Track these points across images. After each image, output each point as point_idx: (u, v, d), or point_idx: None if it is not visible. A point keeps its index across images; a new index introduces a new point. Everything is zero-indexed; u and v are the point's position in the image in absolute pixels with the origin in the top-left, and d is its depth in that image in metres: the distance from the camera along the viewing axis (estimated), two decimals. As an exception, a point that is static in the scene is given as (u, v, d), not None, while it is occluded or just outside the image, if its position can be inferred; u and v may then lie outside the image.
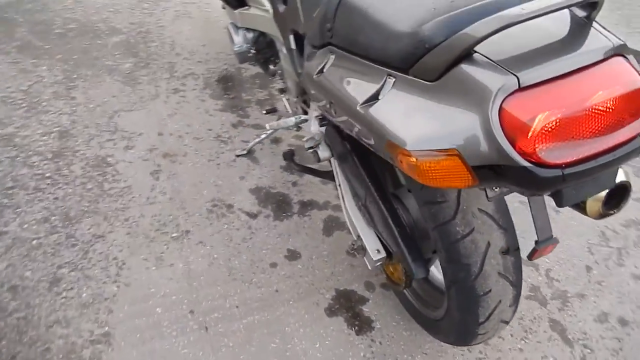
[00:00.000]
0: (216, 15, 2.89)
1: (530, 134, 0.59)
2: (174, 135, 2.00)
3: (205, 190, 1.79)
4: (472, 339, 1.12)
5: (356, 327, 1.45)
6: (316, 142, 1.25)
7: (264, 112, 1.87)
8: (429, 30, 0.70)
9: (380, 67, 0.80)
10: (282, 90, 1.75)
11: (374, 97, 0.78)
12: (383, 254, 1.25)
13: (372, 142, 0.77)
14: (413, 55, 0.72)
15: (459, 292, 1.03)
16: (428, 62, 0.69)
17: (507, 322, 1.10)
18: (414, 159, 0.66)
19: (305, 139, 1.27)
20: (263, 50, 1.78)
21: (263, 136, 1.92)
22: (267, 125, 1.60)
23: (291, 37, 1.32)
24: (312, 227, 1.73)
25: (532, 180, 0.60)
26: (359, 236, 1.33)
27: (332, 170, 1.56)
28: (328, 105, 0.93)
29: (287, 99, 1.73)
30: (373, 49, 0.81)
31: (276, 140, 2.05)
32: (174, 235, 1.62)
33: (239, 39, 1.80)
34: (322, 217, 1.77)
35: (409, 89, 0.73)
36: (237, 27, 1.81)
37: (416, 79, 0.72)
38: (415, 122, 0.69)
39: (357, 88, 0.83)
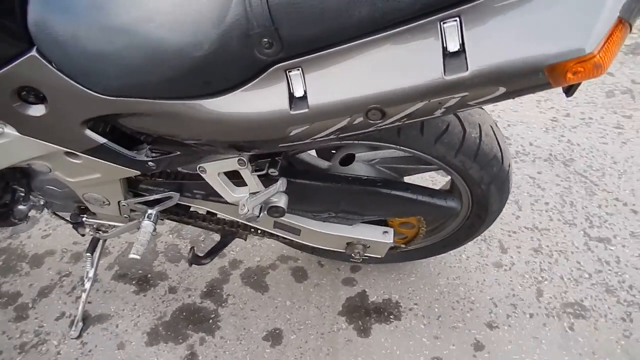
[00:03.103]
0: None
1: None
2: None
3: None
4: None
5: (392, 317, 1.33)
6: (270, 198, 0.94)
7: (88, 254, 1.26)
8: None
9: (416, 23, 0.63)
10: (80, 213, 1.20)
11: (451, 53, 0.62)
12: (390, 229, 1.13)
13: (502, 91, 0.63)
14: None
15: (498, 181, 1.04)
16: None
17: None
18: (598, 56, 0.59)
19: (244, 211, 0.93)
20: (1, 193, 1.13)
21: (87, 286, 1.31)
22: (134, 256, 1.10)
23: (89, 132, 0.88)
24: (246, 300, 1.39)
25: None
26: (349, 243, 1.15)
27: (230, 230, 1.25)
28: (361, 118, 0.69)
29: (93, 216, 1.21)
30: (394, 10, 0.62)
31: (106, 273, 1.44)
32: None
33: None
34: (237, 285, 1.43)
35: (495, 8, 0.60)
36: None
37: None
38: (558, 25, 0.58)
39: (408, 64, 0.64)
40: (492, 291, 1.38)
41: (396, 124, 0.71)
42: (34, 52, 0.75)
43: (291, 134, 0.74)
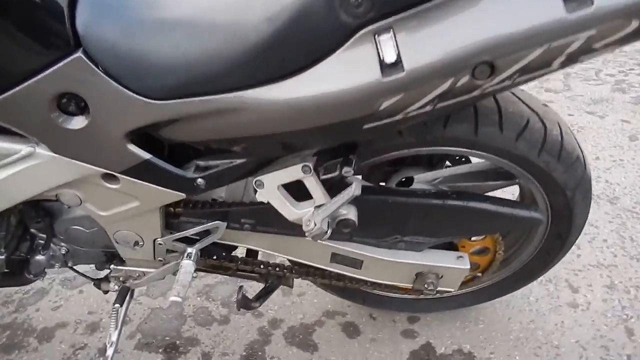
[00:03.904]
0: None
1: None
2: None
3: None
4: None
5: (467, 368, 1.14)
6: (339, 210, 0.82)
7: (117, 305, 1.07)
8: None
9: None
10: (106, 261, 1.06)
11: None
12: (465, 254, 1.00)
13: (634, 25, 0.55)
14: None
15: (583, 187, 0.93)
16: None
17: None
18: None
19: (310, 226, 0.80)
20: (17, 240, 1.00)
21: (110, 352, 1.11)
22: (175, 299, 0.93)
23: (133, 147, 0.78)
24: (294, 363, 1.19)
25: None
26: (418, 274, 1.01)
27: (276, 275, 1.10)
28: (467, 77, 0.60)
29: (122, 264, 1.06)
30: None
31: (127, 342, 1.24)
32: None
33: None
34: (281, 345, 1.24)
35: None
36: None
37: None
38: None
39: (521, 6, 0.56)
40: (575, 333, 1.20)
41: (505, 82, 0.62)
42: (80, 54, 0.68)
43: (381, 107, 0.64)
